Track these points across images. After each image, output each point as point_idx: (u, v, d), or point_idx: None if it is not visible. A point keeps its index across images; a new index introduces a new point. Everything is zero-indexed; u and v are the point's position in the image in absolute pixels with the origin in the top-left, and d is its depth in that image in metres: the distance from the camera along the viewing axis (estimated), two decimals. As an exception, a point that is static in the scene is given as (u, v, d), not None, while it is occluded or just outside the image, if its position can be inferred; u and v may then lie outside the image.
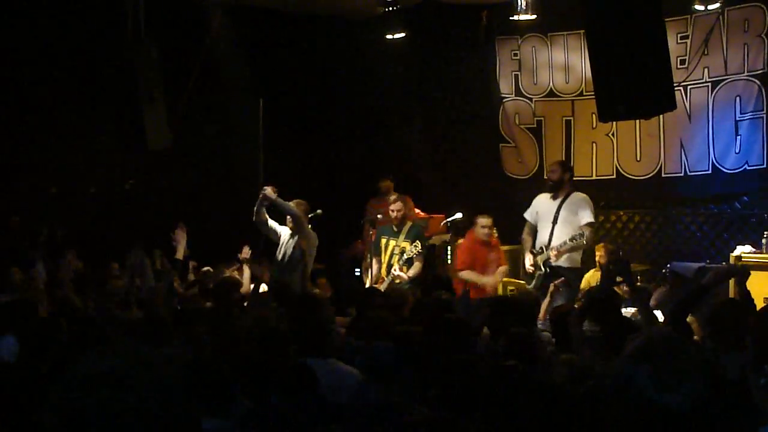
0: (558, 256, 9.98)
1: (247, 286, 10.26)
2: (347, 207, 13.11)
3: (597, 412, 3.84)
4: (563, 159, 10.67)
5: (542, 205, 10.47)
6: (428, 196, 12.96)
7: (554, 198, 10.35)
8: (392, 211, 10.55)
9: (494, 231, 10.72)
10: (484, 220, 10.55)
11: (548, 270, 9.94)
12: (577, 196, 10.36)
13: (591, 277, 11.13)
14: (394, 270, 10.34)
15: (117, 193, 12.31)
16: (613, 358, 5.31)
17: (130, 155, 10.97)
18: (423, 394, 5.06)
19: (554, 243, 10.08)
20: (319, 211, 10.95)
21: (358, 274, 12.23)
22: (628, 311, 9.31)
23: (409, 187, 12.45)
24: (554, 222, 10.19)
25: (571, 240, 9.93)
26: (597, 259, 11.18)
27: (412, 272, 10.35)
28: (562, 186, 10.32)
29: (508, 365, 4.81)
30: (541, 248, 10.15)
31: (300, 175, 13.45)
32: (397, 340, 6.04)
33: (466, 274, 10.44)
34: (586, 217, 10.18)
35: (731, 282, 10.31)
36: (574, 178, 12.53)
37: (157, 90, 9.54)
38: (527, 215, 10.68)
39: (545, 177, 10.56)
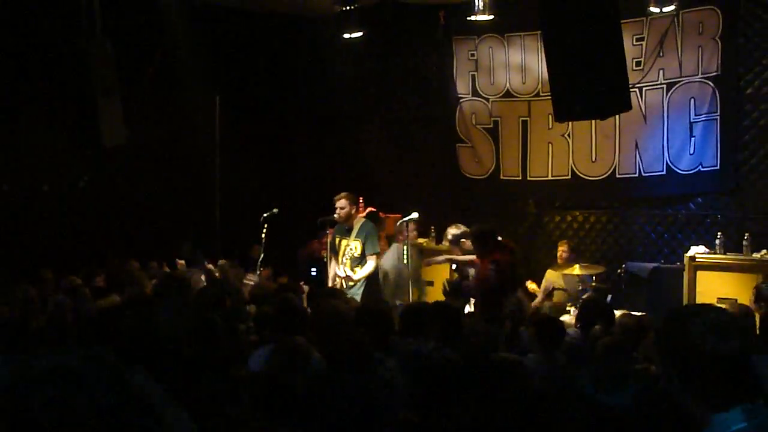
0: None
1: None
2: (304, 206, 13.07)
3: (540, 412, 3.85)
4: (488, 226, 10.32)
5: None
6: (385, 195, 12.95)
7: None
8: (336, 209, 10.51)
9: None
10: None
11: None
12: None
13: (551, 275, 11.23)
14: (343, 271, 10.33)
15: (71, 190, 12.17)
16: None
17: (85, 152, 10.83)
18: None
19: None
20: (275, 209, 10.91)
21: (314, 273, 12.18)
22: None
23: (366, 187, 12.44)
24: None
25: None
26: (558, 255, 11.31)
27: (363, 272, 10.34)
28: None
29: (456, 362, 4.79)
30: None
31: (256, 172, 13.40)
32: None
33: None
34: None
35: (685, 280, 10.53)
36: (529, 179, 12.68)
37: (113, 86, 9.43)
38: None
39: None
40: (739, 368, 2.72)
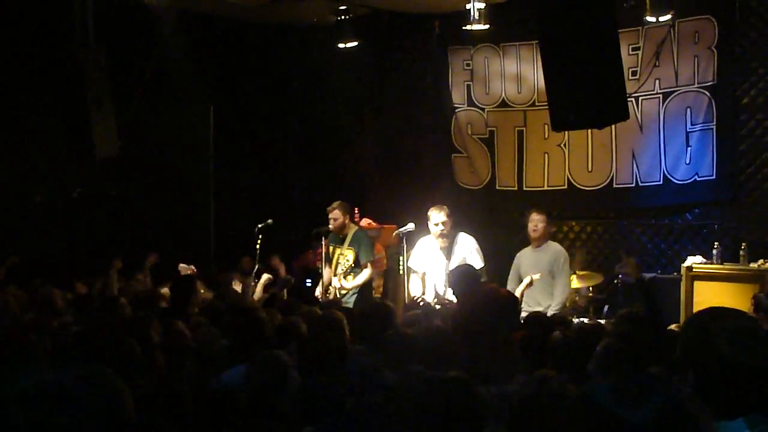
0: None
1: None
2: (298, 217, 13.02)
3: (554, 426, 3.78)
4: (448, 213, 9.92)
5: (431, 252, 10.01)
6: (380, 206, 12.90)
7: (442, 248, 9.94)
8: (330, 220, 10.49)
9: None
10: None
11: None
12: (462, 239, 9.98)
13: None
14: (338, 281, 10.31)
15: (64, 201, 12.08)
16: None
17: (78, 163, 10.77)
18: None
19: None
20: (269, 220, 10.85)
21: (309, 284, 12.13)
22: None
23: (361, 197, 12.39)
24: (447, 269, 9.64)
25: None
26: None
27: (358, 281, 10.32)
28: (446, 235, 9.89)
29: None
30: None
31: (251, 184, 13.34)
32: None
33: None
34: (477, 263, 9.73)
35: (682, 291, 10.45)
36: (525, 189, 12.61)
37: (106, 96, 9.38)
38: (413, 265, 10.08)
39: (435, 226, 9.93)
40: (758, 377, 2.66)
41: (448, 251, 9.87)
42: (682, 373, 3.05)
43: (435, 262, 9.92)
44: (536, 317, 7.63)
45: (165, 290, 9.53)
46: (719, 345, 2.69)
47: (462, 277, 8.30)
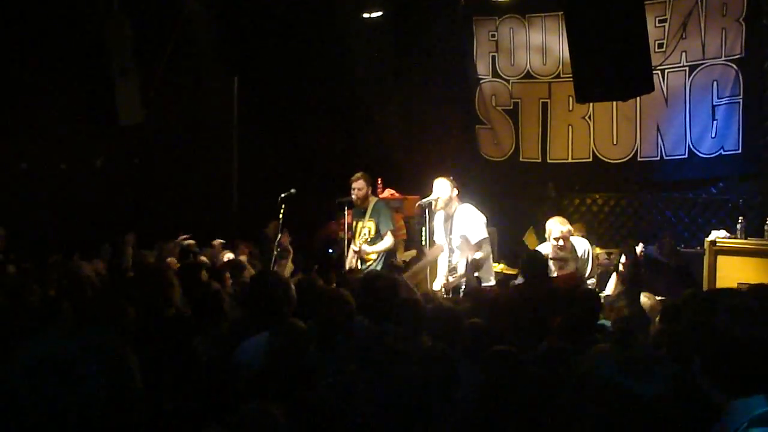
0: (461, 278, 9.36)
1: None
2: (322, 187, 13.01)
3: (558, 400, 3.77)
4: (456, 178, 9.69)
5: (439, 225, 9.73)
6: (403, 177, 12.88)
7: (445, 219, 9.63)
8: (353, 190, 10.45)
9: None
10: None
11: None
12: (461, 210, 9.53)
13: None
14: (357, 245, 10.25)
15: (88, 169, 12.12)
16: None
17: (102, 131, 10.79)
18: None
19: (454, 265, 9.51)
20: (293, 190, 10.85)
21: (331, 252, 12.16)
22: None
23: (384, 168, 12.37)
24: (449, 243, 9.53)
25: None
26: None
27: (378, 247, 10.27)
28: (450, 203, 9.55)
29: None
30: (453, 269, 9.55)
31: (274, 154, 13.34)
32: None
33: None
34: (474, 235, 9.37)
35: (705, 265, 10.39)
36: (549, 161, 12.56)
37: (130, 64, 9.40)
38: (435, 237, 9.81)
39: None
40: (765, 355, 2.64)
41: (450, 223, 9.78)
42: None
43: (441, 234, 9.86)
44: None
45: (172, 260, 9.57)
46: (722, 323, 2.68)
47: (533, 262, 8.20)
